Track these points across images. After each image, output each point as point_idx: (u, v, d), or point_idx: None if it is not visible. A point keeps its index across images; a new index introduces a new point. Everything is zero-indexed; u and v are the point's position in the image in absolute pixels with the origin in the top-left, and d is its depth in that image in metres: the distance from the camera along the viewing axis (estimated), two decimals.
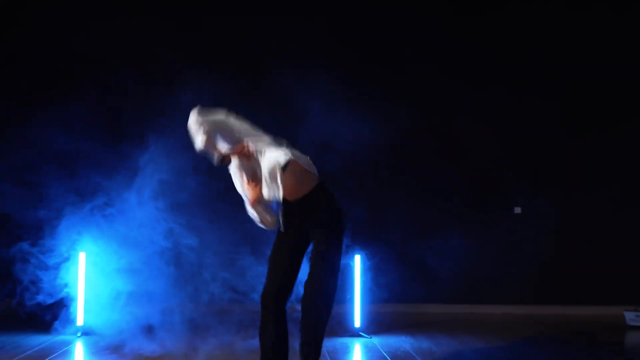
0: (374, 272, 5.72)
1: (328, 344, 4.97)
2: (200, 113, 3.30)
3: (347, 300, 5.46)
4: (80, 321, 5.16)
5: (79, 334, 5.12)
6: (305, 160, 3.47)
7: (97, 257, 5.18)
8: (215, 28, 6.64)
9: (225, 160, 3.39)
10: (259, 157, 3.36)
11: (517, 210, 6.83)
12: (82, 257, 5.17)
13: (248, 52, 6.63)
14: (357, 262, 5.40)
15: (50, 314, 5.21)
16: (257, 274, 5.24)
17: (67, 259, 5.15)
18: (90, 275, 5.18)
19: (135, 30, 6.39)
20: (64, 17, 6.47)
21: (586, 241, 6.73)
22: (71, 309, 5.17)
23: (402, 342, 5.11)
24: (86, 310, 5.18)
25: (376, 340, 5.15)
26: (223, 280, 5.18)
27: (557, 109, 6.79)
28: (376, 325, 5.65)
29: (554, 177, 6.81)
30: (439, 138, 6.80)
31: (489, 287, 6.72)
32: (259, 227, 3.58)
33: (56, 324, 5.19)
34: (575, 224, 6.76)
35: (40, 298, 5.17)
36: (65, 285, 5.16)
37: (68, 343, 4.85)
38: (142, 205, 4.98)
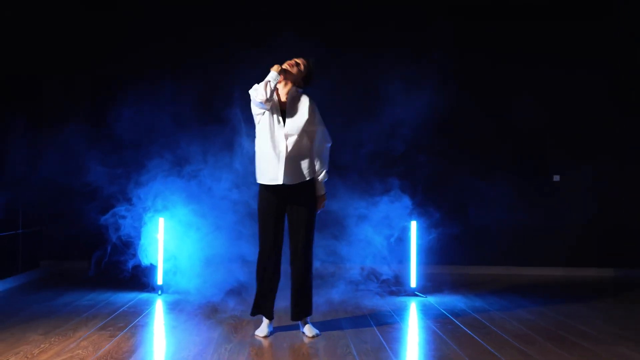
0: (426, 236, 6.12)
1: (390, 302, 5.43)
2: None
3: (401, 263, 5.90)
4: (159, 281, 5.62)
5: (159, 293, 5.58)
6: None
7: (180, 223, 5.60)
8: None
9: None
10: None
11: (556, 178, 7.21)
12: (161, 222, 5.60)
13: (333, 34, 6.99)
14: (413, 228, 5.82)
15: (133, 275, 5.68)
16: (322, 244, 5.72)
17: (148, 226, 5.59)
18: (171, 239, 5.61)
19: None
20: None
21: (619, 208, 7.14)
22: (152, 270, 5.62)
23: (456, 301, 5.54)
24: (166, 271, 5.63)
25: (432, 300, 5.59)
26: None
27: (599, 86, 7.13)
28: (426, 285, 6.08)
29: (590, 148, 7.16)
30: (488, 115, 7.14)
31: (530, 250, 7.15)
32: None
33: (139, 283, 5.68)
34: (610, 192, 7.15)
35: (124, 260, 5.65)
36: (147, 248, 5.60)
37: (151, 301, 5.29)
38: (223, 179, 5.42)
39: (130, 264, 5.62)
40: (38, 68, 6.57)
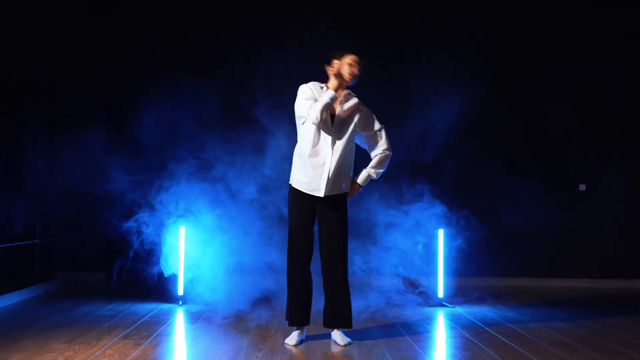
0: (453, 247, 5.94)
1: (418, 311, 5.26)
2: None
3: (429, 273, 5.73)
4: (180, 291, 5.46)
5: (180, 303, 5.41)
6: None
7: (204, 230, 5.45)
8: None
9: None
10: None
11: (582, 187, 7.05)
12: (182, 231, 5.45)
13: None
14: (441, 237, 5.66)
15: (154, 285, 5.52)
16: (358, 251, 5.56)
17: (169, 234, 5.44)
18: (194, 247, 5.46)
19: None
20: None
21: None
22: (173, 280, 5.46)
23: (485, 311, 5.36)
24: (187, 281, 5.47)
25: (461, 310, 5.41)
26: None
27: (626, 91, 7.03)
28: (453, 296, 5.88)
29: (621, 155, 7.03)
30: (518, 121, 7.01)
31: (560, 260, 6.97)
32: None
33: (159, 294, 5.52)
34: (636, 201, 6.99)
35: (144, 270, 5.49)
36: (168, 257, 5.44)
37: (172, 312, 5.12)
38: (250, 182, 5.27)
39: (151, 274, 5.46)
40: (55, 74, 6.45)
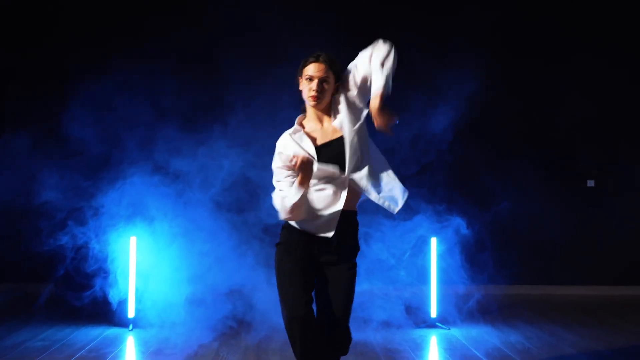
0: (448, 253, 5.19)
1: (406, 336, 4.54)
2: None
3: (420, 287, 5.00)
4: (131, 313, 4.68)
5: (130, 327, 4.63)
6: None
7: (159, 242, 4.65)
8: None
9: None
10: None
11: (591, 183, 6.35)
12: (133, 242, 4.66)
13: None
14: (433, 245, 4.90)
15: (99, 307, 4.74)
16: None
17: (117, 247, 4.65)
18: (147, 261, 4.68)
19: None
20: None
21: None
22: (121, 299, 4.67)
23: (486, 334, 4.64)
24: (138, 300, 4.69)
25: (457, 333, 4.68)
26: None
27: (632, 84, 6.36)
28: (449, 311, 5.10)
29: (629, 149, 6.37)
30: (518, 115, 6.31)
31: (567, 266, 6.29)
32: None
33: (106, 316, 4.74)
34: None
35: (86, 289, 4.70)
36: (115, 273, 4.66)
37: (120, 340, 4.35)
38: (215, 184, 4.52)
39: (94, 293, 4.67)
40: None
